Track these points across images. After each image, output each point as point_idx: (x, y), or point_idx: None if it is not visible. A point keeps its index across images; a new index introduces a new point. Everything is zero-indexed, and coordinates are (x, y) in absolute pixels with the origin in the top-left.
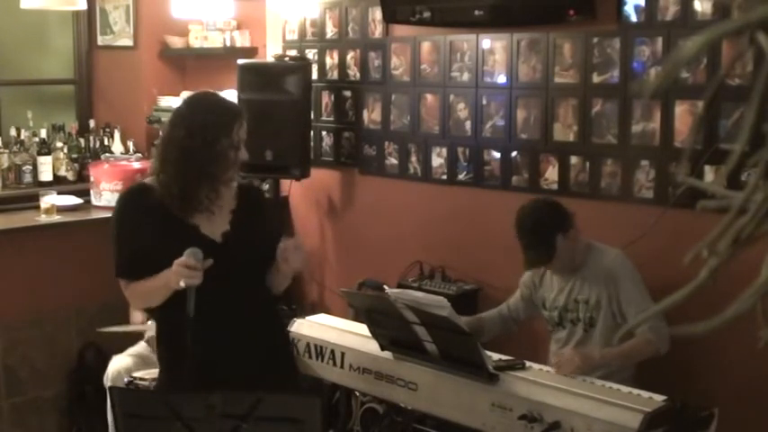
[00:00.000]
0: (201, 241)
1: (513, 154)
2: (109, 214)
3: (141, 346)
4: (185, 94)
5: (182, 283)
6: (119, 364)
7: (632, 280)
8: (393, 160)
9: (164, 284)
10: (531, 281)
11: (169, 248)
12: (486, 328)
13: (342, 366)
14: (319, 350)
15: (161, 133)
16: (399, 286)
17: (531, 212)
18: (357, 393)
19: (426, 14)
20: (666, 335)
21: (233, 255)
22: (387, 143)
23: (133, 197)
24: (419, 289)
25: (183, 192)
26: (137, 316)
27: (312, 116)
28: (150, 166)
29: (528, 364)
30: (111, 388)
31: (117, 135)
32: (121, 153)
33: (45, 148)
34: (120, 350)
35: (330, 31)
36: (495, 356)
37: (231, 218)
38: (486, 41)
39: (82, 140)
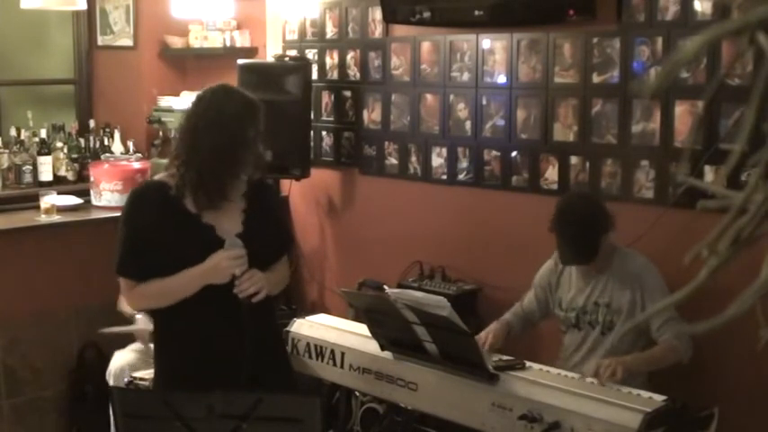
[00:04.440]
0: (217, 241)
1: (513, 154)
2: (109, 214)
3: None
4: (185, 94)
5: (237, 271)
6: (122, 359)
7: (660, 290)
8: (393, 160)
9: (196, 282)
10: (547, 282)
11: (187, 249)
12: (512, 333)
13: (342, 366)
14: (319, 350)
15: (182, 126)
16: (399, 286)
17: (582, 208)
18: (357, 393)
19: (426, 14)
20: (690, 342)
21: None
22: (387, 143)
23: (148, 194)
24: (419, 289)
25: (214, 180)
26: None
27: (312, 116)
28: (170, 159)
29: (528, 364)
30: (111, 388)
31: (117, 135)
32: (121, 153)
33: (45, 148)
34: (122, 347)
35: (330, 31)
36: (495, 356)
37: (244, 217)
38: (486, 41)
39: (82, 140)
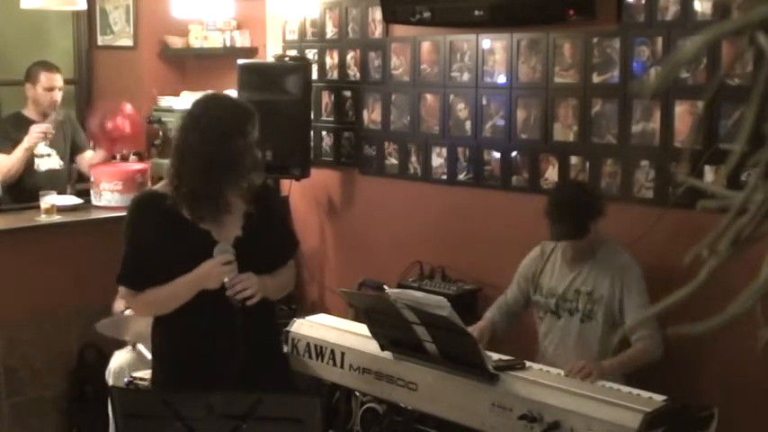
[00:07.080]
0: (213, 245)
1: (513, 154)
2: (109, 214)
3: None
4: (185, 94)
5: (225, 279)
6: (121, 359)
7: (639, 289)
8: (393, 160)
9: (190, 288)
10: (531, 270)
11: (183, 256)
12: (499, 330)
13: (342, 366)
14: (319, 350)
15: (174, 140)
16: (399, 286)
17: (573, 188)
18: (357, 393)
19: (426, 14)
20: (661, 343)
21: (244, 260)
22: (387, 143)
23: (145, 205)
24: (419, 289)
25: (207, 197)
26: (119, 305)
27: (312, 116)
28: (166, 175)
29: (528, 364)
30: (110, 388)
31: None
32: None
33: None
34: (121, 347)
35: (330, 31)
36: (495, 356)
37: (243, 222)
38: (486, 41)
39: None
